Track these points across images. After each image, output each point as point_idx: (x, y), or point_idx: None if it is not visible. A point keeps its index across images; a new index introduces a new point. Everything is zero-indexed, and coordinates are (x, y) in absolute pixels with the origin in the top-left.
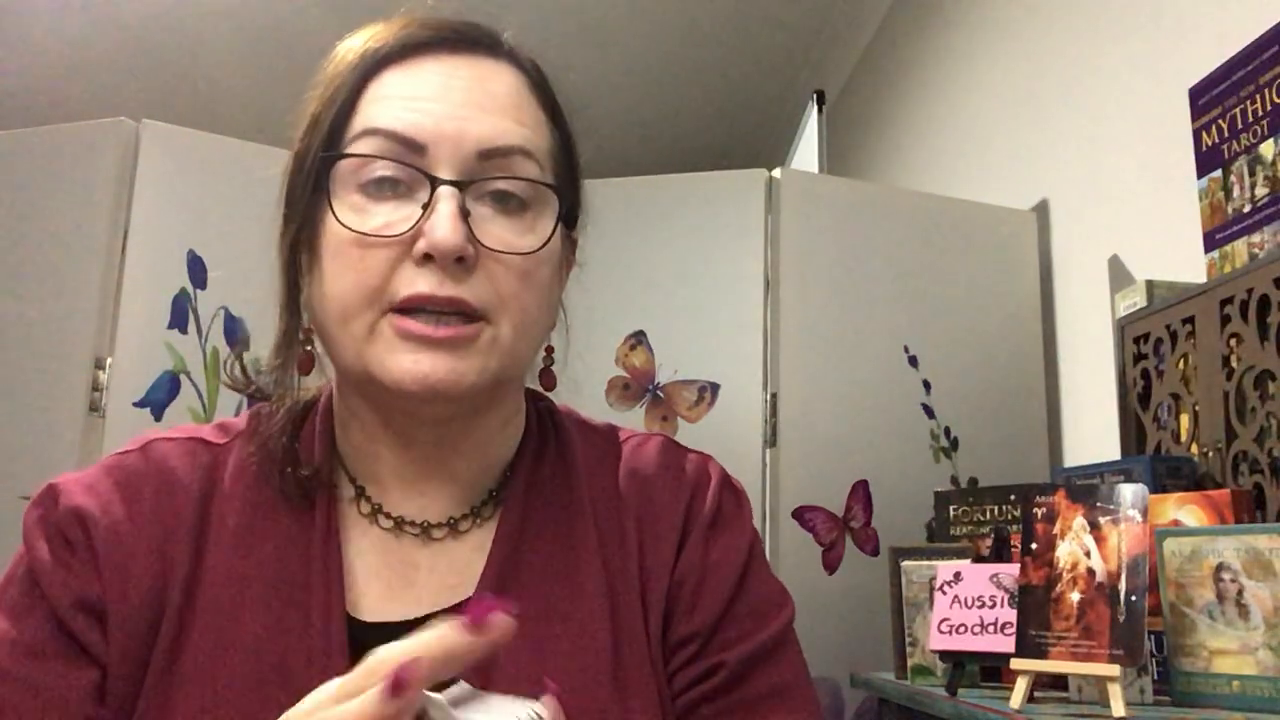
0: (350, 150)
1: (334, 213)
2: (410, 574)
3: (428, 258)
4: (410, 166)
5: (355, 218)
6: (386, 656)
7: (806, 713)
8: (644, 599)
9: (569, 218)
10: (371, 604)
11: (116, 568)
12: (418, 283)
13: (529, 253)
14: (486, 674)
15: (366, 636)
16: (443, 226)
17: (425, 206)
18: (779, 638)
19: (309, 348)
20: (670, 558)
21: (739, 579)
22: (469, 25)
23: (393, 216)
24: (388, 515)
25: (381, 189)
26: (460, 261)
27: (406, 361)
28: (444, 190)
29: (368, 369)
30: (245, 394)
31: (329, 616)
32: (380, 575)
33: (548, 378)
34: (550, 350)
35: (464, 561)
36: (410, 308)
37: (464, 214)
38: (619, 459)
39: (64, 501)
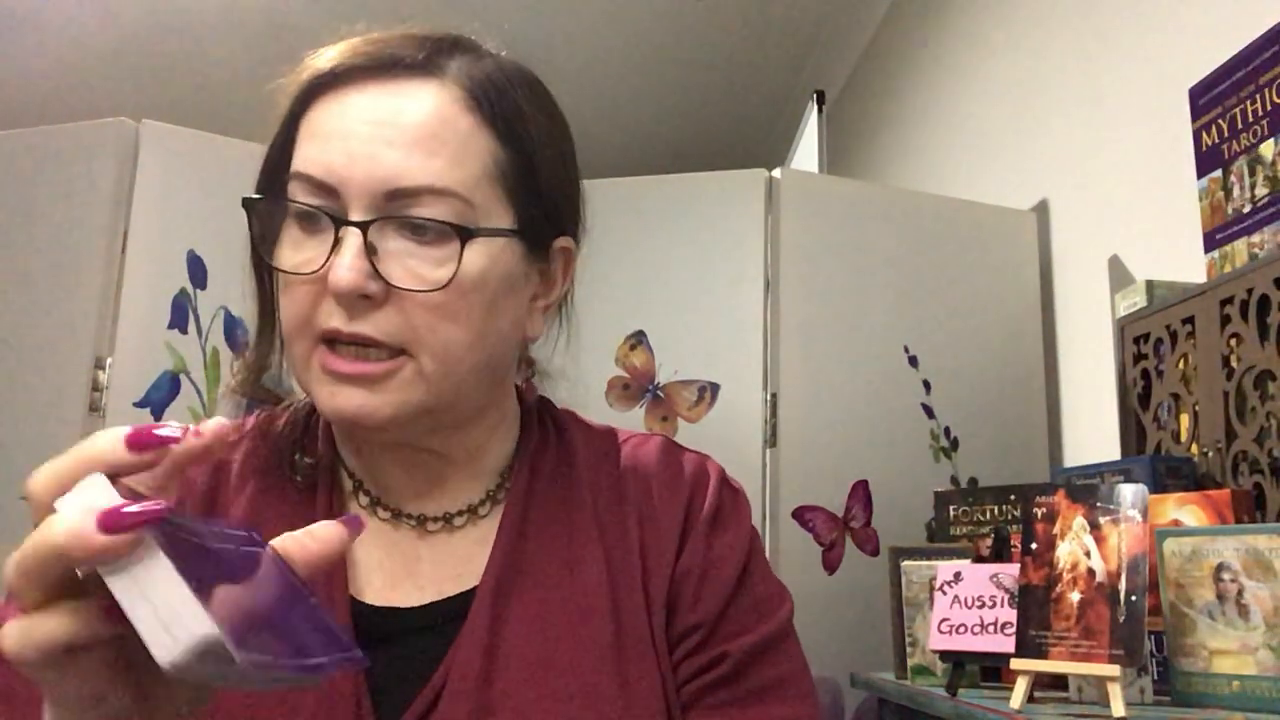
0: (288, 192)
1: (260, 250)
2: (412, 565)
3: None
4: (320, 209)
5: (287, 251)
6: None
7: (806, 703)
8: (646, 593)
9: (541, 233)
10: (375, 590)
11: None
12: (332, 318)
13: (437, 289)
14: (489, 664)
15: (371, 620)
16: (341, 267)
17: (335, 245)
18: (781, 631)
19: None
20: (672, 555)
21: (740, 574)
22: (408, 41)
23: (314, 252)
24: (385, 507)
25: (308, 225)
26: (367, 299)
27: (325, 394)
28: (346, 230)
29: (309, 394)
30: (253, 399)
31: (333, 600)
32: (383, 565)
33: (529, 389)
34: (531, 363)
35: (467, 554)
36: (329, 340)
37: (370, 251)
38: (619, 459)
39: None
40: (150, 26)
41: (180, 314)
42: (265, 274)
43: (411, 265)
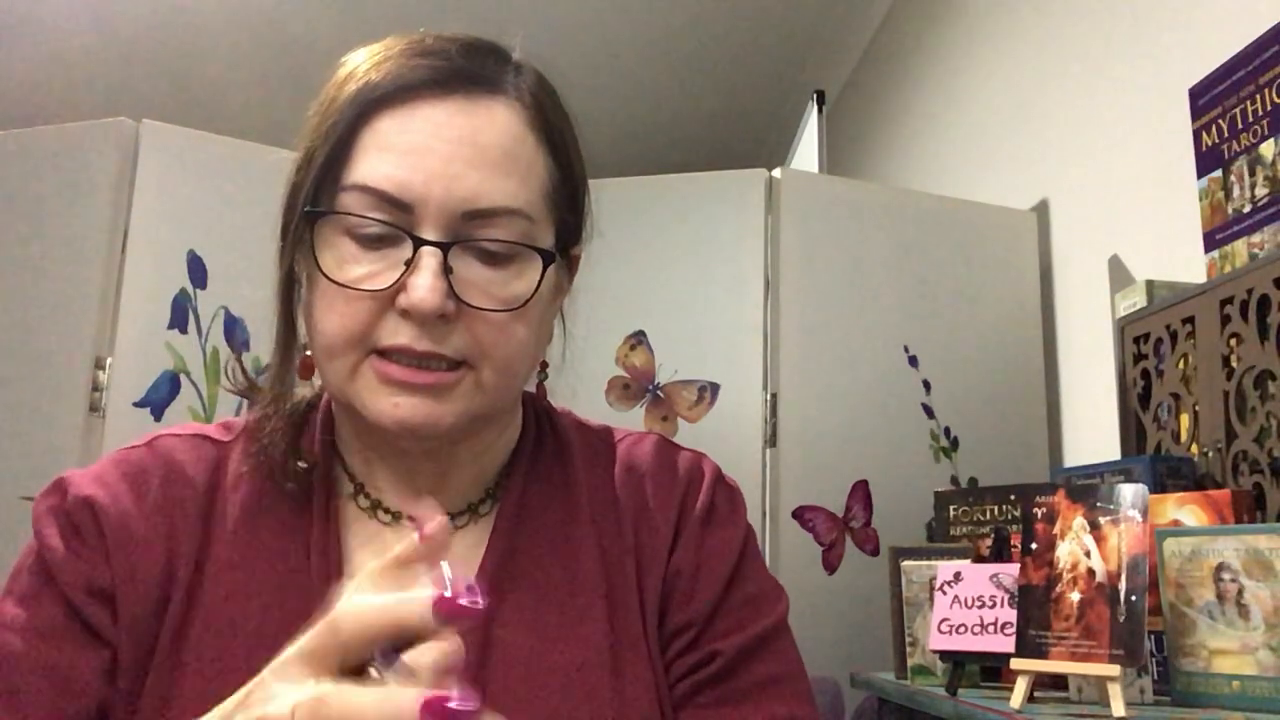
0: (340, 203)
1: (319, 264)
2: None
3: (409, 311)
4: (395, 226)
5: (342, 266)
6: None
7: (801, 703)
8: (640, 591)
9: (567, 242)
10: None
11: (125, 554)
12: (399, 334)
13: (513, 309)
14: (483, 661)
15: None
16: (422, 288)
17: (409, 263)
18: (774, 629)
19: (309, 352)
20: (665, 552)
21: (733, 571)
22: (470, 52)
23: (377, 266)
24: (386, 510)
25: (370, 239)
26: (441, 318)
27: (386, 404)
28: (426, 250)
29: (351, 404)
30: (248, 398)
31: (330, 603)
32: None
33: (541, 391)
34: (544, 365)
35: (462, 554)
36: (391, 351)
37: (446, 271)
38: (614, 457)
39: (73, 492)
40: (150, 26)
41: (180, 314)
42: (297, 284)
43: (483, 285)
